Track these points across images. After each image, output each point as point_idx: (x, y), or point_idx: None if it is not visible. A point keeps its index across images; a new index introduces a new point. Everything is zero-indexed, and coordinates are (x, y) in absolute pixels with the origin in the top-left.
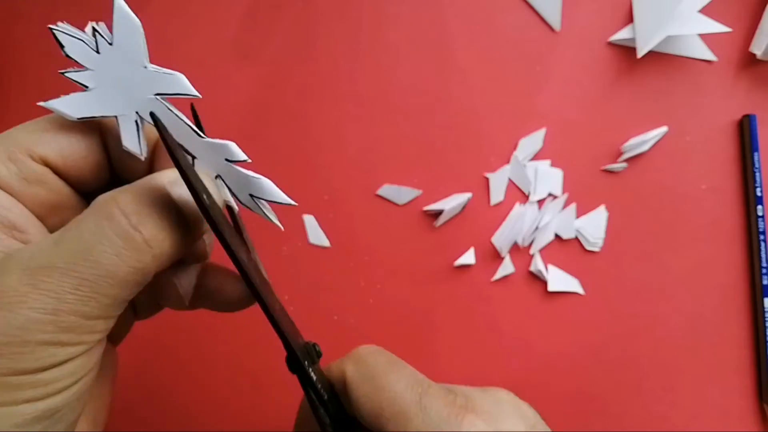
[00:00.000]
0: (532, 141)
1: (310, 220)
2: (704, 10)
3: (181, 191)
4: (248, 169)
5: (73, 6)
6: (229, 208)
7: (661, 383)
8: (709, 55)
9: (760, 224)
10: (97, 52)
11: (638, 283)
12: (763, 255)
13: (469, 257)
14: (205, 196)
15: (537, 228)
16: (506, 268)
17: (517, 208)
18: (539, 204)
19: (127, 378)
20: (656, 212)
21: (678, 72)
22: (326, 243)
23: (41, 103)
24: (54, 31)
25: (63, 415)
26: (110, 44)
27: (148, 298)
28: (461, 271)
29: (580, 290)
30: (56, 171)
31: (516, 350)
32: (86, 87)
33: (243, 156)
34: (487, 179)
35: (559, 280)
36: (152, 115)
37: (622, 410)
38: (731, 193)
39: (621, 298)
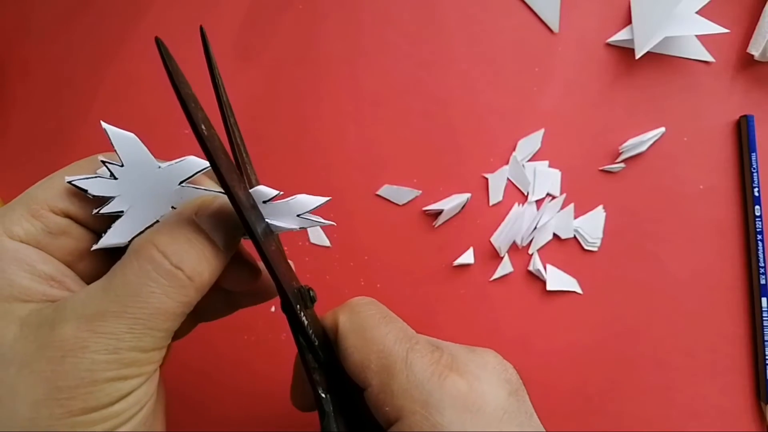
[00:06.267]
0: (531, 141)
1: None
2: (702, 12)
3: (206, 218)
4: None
5: (75, 6)
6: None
7: (660, 382)
8: (706, 56)
9: (758, 224)
10: (115, 178)
11: (636, 282)
12: (761, 254)
13: (468, 257)
14: (203, 127)
15: (535, 228)
16: (505, 267)
17: (516, 208)
18: (538, 204)
19: None
20: (654, 212)
21: (676, 73)
22: (327, 243)
23: (95, 248)
24: (73, 183)
25: None
26: (122, 166)
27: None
28: (460, 270)
29: (578, 289)
30: (78, 221)
31: (514, 349)
32: (122, 212)
33: (274, 192)
34: (486, 179)
35: (557, 279)
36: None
37: (620, 409)
38: (729, 193)
39: (619, 297)
